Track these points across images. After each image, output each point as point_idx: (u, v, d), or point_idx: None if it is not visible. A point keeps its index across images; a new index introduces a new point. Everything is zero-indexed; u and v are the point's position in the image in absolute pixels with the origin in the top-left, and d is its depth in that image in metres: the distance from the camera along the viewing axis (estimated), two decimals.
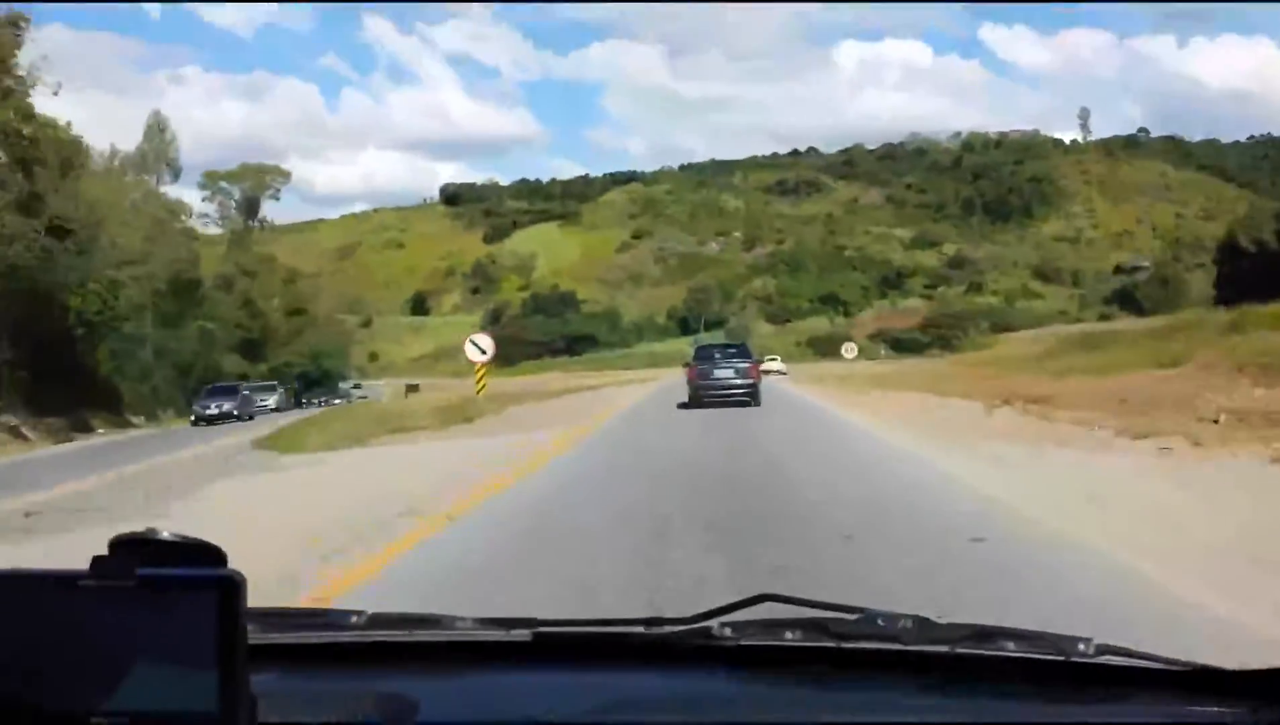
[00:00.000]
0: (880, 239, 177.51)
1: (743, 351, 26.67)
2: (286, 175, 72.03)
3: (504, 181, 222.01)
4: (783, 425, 18.64)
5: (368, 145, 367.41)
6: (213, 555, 0.95)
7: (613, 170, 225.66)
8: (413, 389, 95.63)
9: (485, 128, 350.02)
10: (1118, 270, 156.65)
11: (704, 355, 26.22)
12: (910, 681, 1.37)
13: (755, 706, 1.34)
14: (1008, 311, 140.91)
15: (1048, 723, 1.24)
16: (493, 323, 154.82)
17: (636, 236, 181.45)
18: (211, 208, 73.07)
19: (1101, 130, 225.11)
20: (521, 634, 1.48)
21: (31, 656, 0.91)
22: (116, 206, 46.54)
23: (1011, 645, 1.38)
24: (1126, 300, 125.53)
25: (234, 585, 0.91)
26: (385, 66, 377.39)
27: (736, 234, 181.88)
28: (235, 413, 42.38)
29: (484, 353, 25.65)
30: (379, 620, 1.56)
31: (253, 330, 64.07)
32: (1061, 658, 1.34)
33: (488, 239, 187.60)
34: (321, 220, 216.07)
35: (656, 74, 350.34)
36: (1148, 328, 38.44)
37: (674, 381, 43.62)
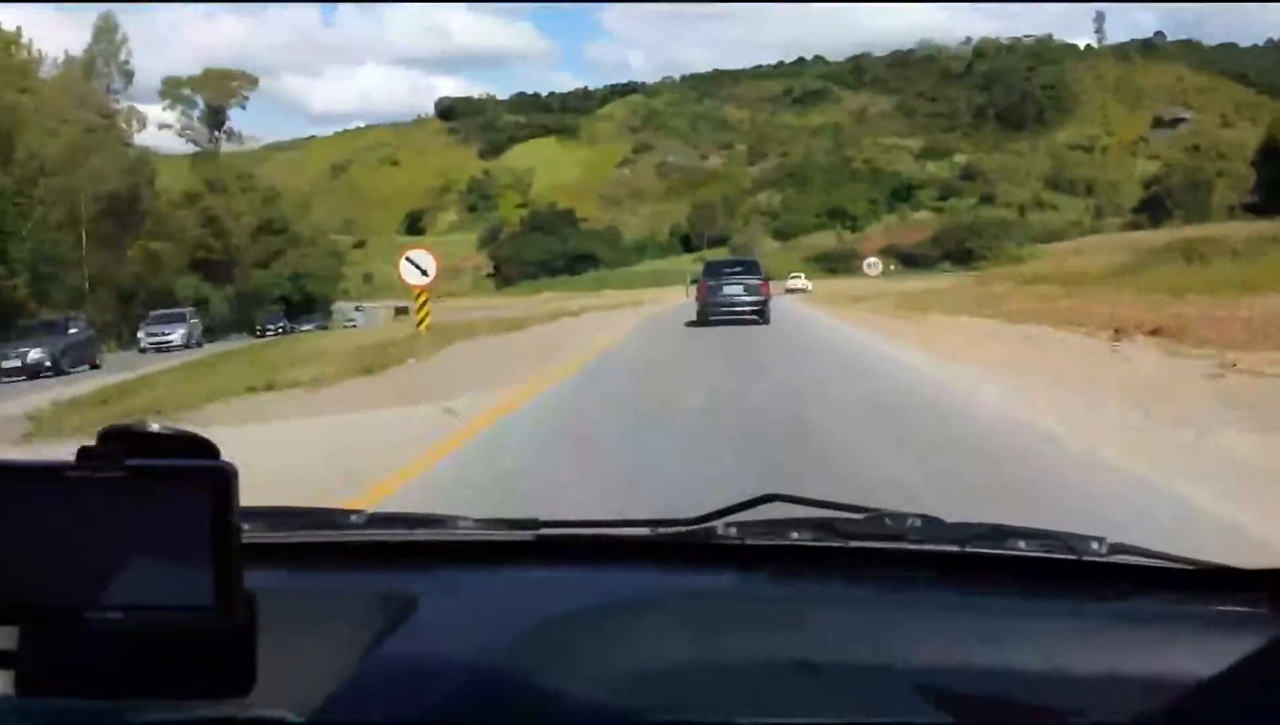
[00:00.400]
0: (889, 150, 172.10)
1: (752, 268, 25.76)
2: (254, 81, 65.78)
3: (501, 96, 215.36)
4: (844, 394, 10.70)
5: (365, 62, 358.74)
6: (204, 447, 0.94)
7: (613, 82, 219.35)
8: (402, 312, 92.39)
9: (484, 42, 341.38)
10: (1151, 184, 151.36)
11: (713, 272, 25.60)
12: (918, 580, 1.36)
13: (760, 605, 1.34)
14: (1019, 223, 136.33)
15: (1059, 620, 1.23)
16: (490, 242, 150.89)
17: (637, 151, 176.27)
18: (173, 117, 67.23)
19: (1116, 35, 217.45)
20: (524, 534, 1.48)
21: (19, 550, 0.90)
22: (41, 111, 41.40)
23: (1022, 544, 1.37)
24: (1156, 208, 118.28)
25: (226, 476, 0.90)
26: None
27: (740, 147, 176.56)
28: (46, 362, 28.01)
29: (424, 274, 19.87)
30: (378, 519, 1.55)
31: (215, 251, 59.05)
32: (1074, 556, 1.33)
33: (484, 155, 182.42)
34: (313, 138, 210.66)
35: None
36: (1256, 233, 33.53)
37: (674, 305, 39.72)
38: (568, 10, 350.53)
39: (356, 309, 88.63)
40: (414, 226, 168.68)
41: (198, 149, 65.46)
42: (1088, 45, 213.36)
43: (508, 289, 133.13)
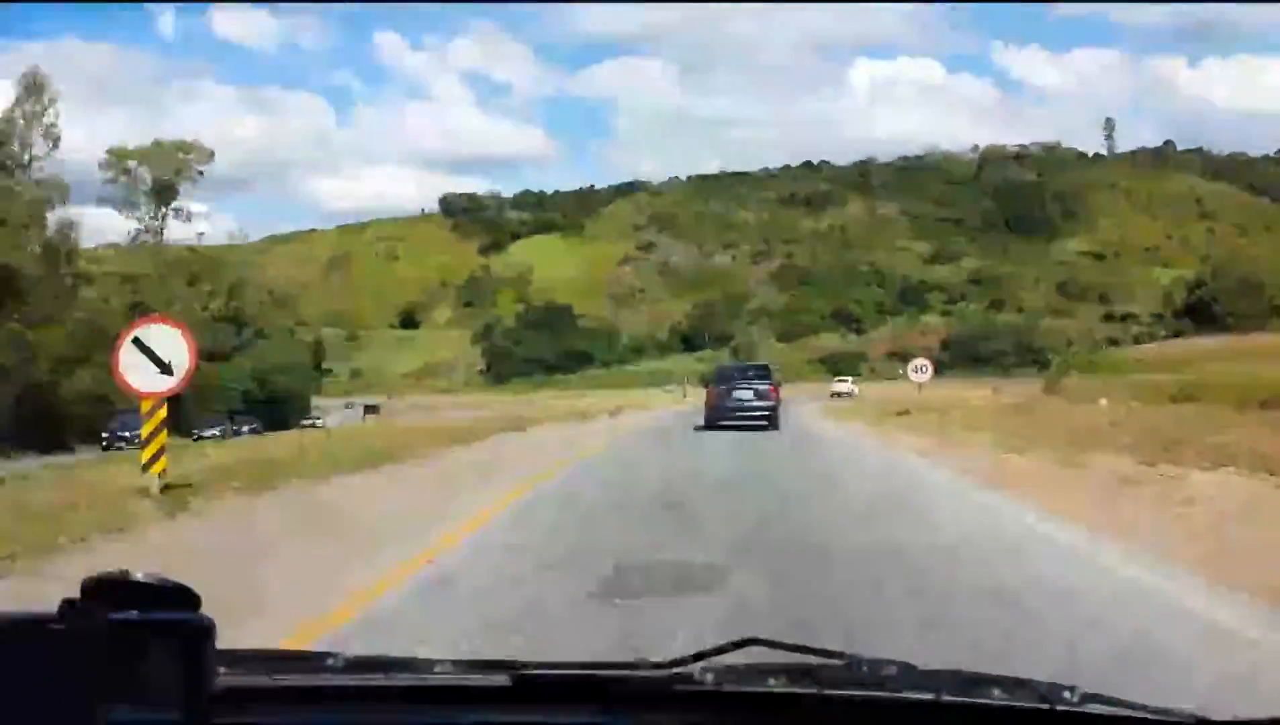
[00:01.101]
0: (896, 254, 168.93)
1: (763, 372, 25.76)
2: (208, 154, 58.76)
3: (507, 195, 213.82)
4: None
5: (379, 162, 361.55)
6: (185, 598, 0.93)
7: (618, 182, 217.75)
8: (371, 411, 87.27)
9: (496, 145, 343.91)
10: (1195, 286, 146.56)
11: (724, 376, 25.77)
12: None
13: None
14: (1032, 331, 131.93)
15: None
16: (484, 337, 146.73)
17: (640, 249, 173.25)
18: (114, 192, 58.99)
19: (1124, 144, 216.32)
20: (500, 678, 1.46)
21: (2, 699, 0.89)
22: None
23: (997, 693, 1.36)
24: (1200, 315, 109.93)
25: (203, 630, 0.90)
26: (397, 83, 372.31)
27: (745, 247, 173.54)
28: None
29: (164, 371, 10.59)
30: (356, 664, 1.54)
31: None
32: (1046, 705, 1.32)
33: (485, 251, 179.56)
34: (315, 231, 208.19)
35: (668, 92, 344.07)
36: None
37: (666, 415, 34.76)
38: (576, 115, 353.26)
39: (346, 406, 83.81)
40: (408, 321, 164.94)
41: (139, 227, 57.81)
42: (1096, 154, 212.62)
43: (499, 387, 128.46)
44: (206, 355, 60.89)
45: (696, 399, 59.10)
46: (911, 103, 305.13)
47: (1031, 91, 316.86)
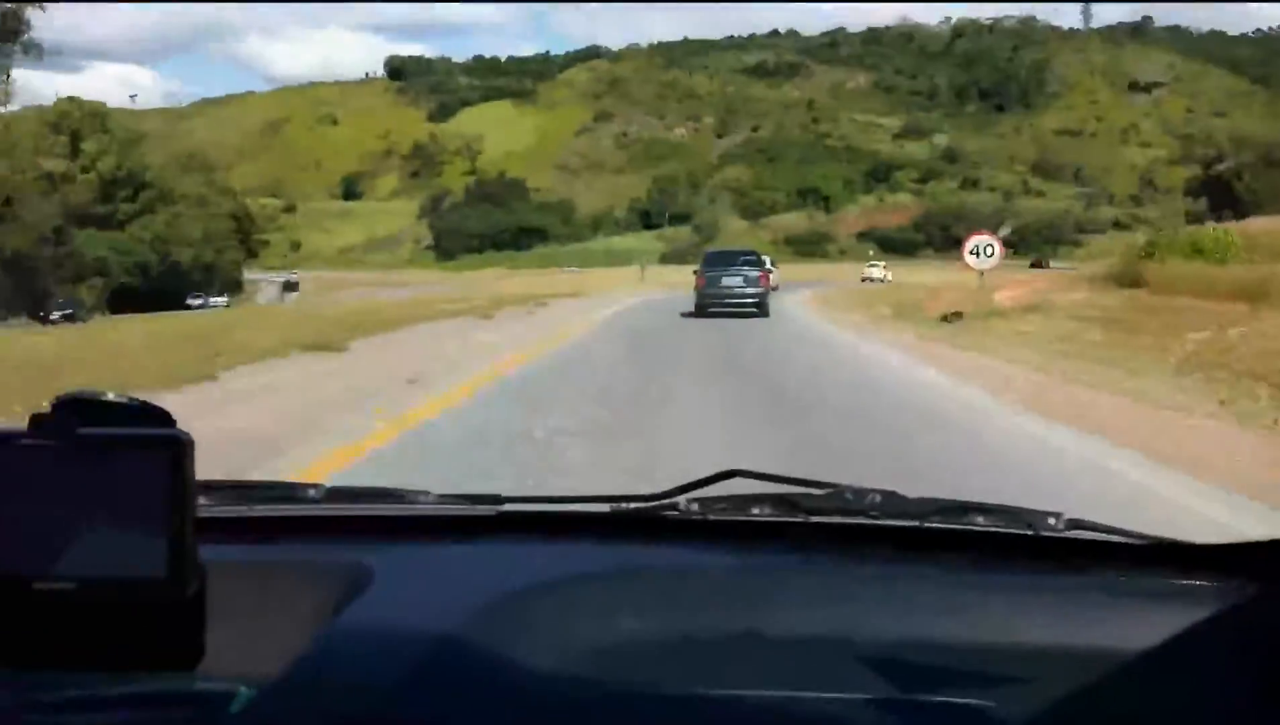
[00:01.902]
0: (866, 128, 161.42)
1: (752, 259, 25.31)
2: None
3: (459, 60, 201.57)
4: None
5: (328, 25, 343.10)
6: (158, 416, 0.91)
7: (576, 49, 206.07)
8: (290, 288, 79.14)
9: (451, 9, 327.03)
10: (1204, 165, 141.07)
11: (713, 261, 25.25)
12: (877, 555, 1.36)
13: (719, 579, 1.33)
14: (1005, 209, 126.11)
15: (1016, 594, 1.24)
16: (431, 211, 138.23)
17: (598, 119, 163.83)
18: None
19: (1102, 19, 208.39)
20: (485, 509, 1.47)
21: None
22: None
23: (980, 519, 1.39)
24: (1216, 194, 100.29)
25: (182, 445, 0.88)
26: None
27: (708, 119, 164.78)
28: None
29: None
30: (337, 493, 1.52)
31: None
32: (1030, 531, 1.35)
33: (433, 118, 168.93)
34: (251, 93, 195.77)
35: None
36: None
37: (626, 309, 27.71)
38: None
39: (286, 285, 76.40)
40: (350, 192, 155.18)
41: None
42: (1072, 29, 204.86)
43: (447, 263, 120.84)
44: (79, 221, 53.02)
45: (656, 282, 52.00)
46: None
47: None
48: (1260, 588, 1.18)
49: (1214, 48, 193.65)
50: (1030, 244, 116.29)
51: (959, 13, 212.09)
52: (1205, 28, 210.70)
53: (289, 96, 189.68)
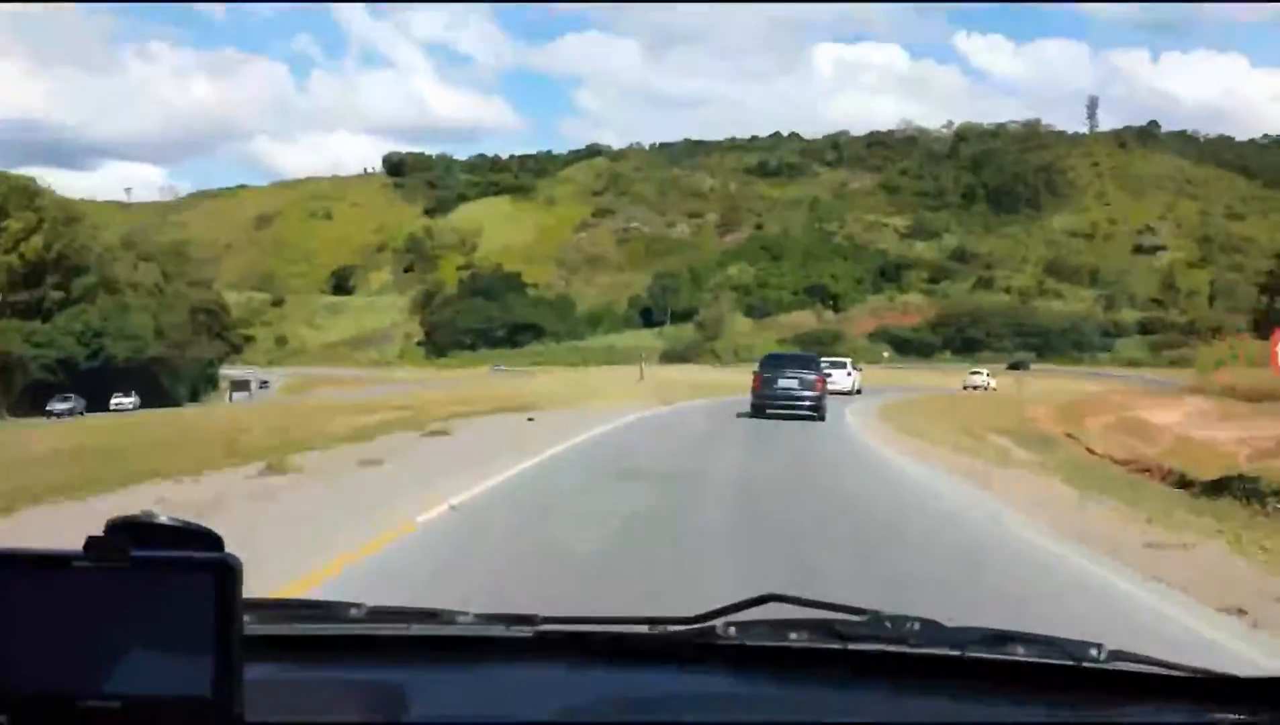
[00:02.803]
0: (873, 227, 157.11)
1: (809, 363, 25.36)
2: None
3: (460, 158, 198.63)
4: None
5: (336, 129, 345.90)
6: (208, 540, 0.93)
7: (577, 148, 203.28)
8: (239, 387, 71.97)
9: (457, 114, 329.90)
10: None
11: (771, 365, 24.89)
12: (917, 685, 1.32)
13: (759, 707, 1.30)
14: (1023, 312, 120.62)
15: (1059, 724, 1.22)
16: (424, 306, 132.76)
17: (597, 215, 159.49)
18: None
19: (1107, 123, 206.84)
20: (522, 630, 1.45)
21: (23, 638, 0.89)
22: None
23: (1021, 650, 1.35)
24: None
25: (230, 569, 0.89)
26: (357, 51, 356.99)
27: (711, 216, 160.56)
28: None
29: None
30: (378, 613, 1.52)
31: None
32: (1072, 663, 1.31)
33: (429, 212, 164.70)
34: (244, 187, 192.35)
35: (634, 67, 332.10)
36: None
37: (622, 425, 21.16)
38: (543, 87, 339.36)
39: (260, 384, 70.26)
40: (341, 286, 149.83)
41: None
42: (1077, 132, 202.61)
43: (439, 360, 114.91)
44: (20, 310, 46.75)
45: (656, 384, 42.38)
46: (880, 85, 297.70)
47: (1000, 80, 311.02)
48: None
49: (1223, 152, 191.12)
50: (1055, 347, 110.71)
51: (961, 117, 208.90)
52: (1212, 132, 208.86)
53: (283, 191, 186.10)
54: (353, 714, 1.21)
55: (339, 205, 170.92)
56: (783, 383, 23.64)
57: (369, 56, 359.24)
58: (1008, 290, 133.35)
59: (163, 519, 0.94)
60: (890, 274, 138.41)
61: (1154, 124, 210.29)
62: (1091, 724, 1.22)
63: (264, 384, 70.84)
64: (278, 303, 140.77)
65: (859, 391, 38.52)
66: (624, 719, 1.23)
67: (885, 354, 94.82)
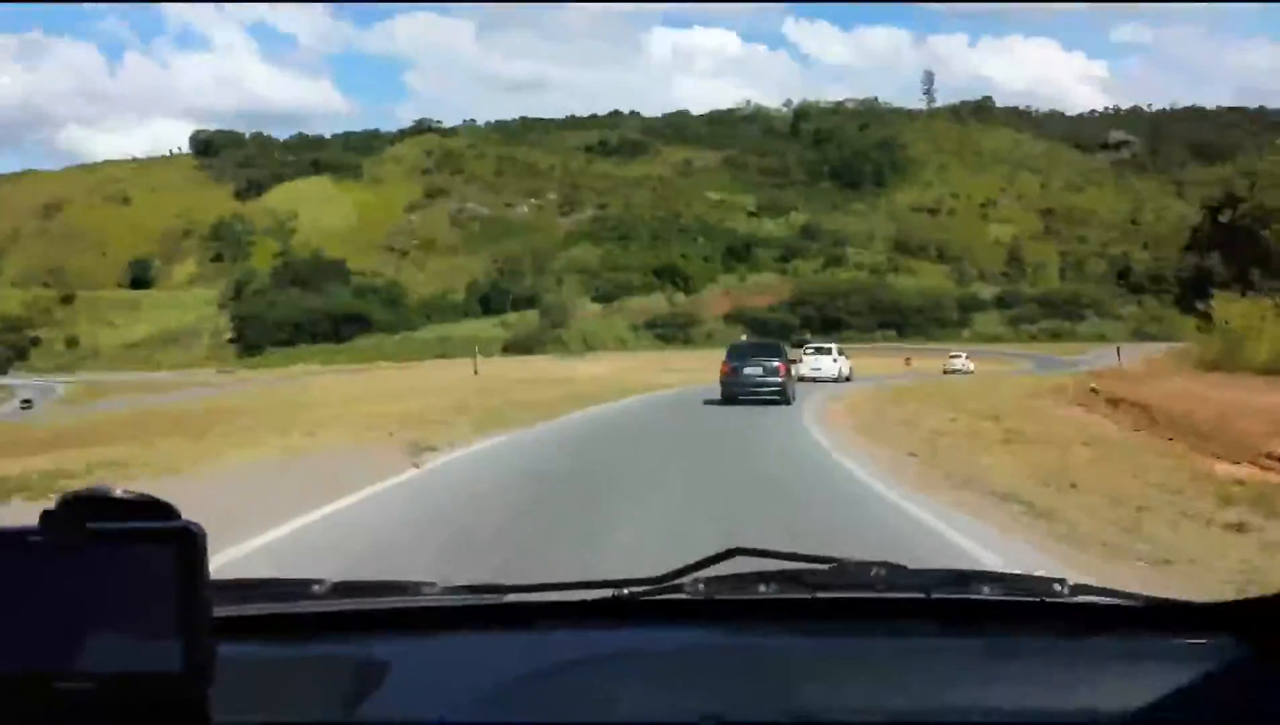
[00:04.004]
0: (720, 206, 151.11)
1: (774, 350, 26.02)
2: None
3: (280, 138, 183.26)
4: None
5: (153, 115, 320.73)
6: (165, 511, 0.90)
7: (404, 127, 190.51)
8: (26, 406, 61.09)
9: (282, 97, 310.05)
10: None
11: (737, 353, 25.85)
12: (885, 628, 1.36)
13: (732, 658, 1.32)
14: (881, 287, 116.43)
15: (1028, 660, 1.25)
16: (234, 298, 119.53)
17: (430, 195, 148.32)
18: None
19: (943, 99, 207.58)
20: (490, 599, 1.47)
21: None
22: None
23: (986, 589, 1.38)
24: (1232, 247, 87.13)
25: (193, 537, 0.86)
26: (174, 32, 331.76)
27: (551, 195, 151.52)
28: None
29: None
30: (342, 588, 1.52)
31: None
32: (1035, 598, 1.35)
33: (240, 195, 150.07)
34: (30, 171, 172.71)
35: (466, 51, 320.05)
36: None
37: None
38: (372, 68, 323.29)
39: (22, 403, 57.69)
40: (140, 279, 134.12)
41: None
42: (914, 110, 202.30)
43: (253, 359, 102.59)
44: None
45: (498, 388, 30.97)
46: (716, 70, 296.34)
47: (831, 65, 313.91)
48: (1250, 644, 1.19)
49: (1056, 126, 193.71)
50: (914, 325, 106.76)
51: (799, 98, 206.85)
52: (1044, 108, 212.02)
53: (76, 176, 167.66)
54: (328, 689, 1.21)
55: (137, 190, 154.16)
56: (749, 370, 24.35)
57: (186, 38, 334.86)
58: (859, 266, 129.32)
59: (118, 492, 0.92)
60: (740, 253, 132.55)
61: (988, 99, 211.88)
62: (1060, 656, 1.25)
63: (27, 403, 58.34)
64: (67, 300, 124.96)
65: (849, 378, 37.46)
66: (596, 677, 1.24)
67: (744, 336, 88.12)
